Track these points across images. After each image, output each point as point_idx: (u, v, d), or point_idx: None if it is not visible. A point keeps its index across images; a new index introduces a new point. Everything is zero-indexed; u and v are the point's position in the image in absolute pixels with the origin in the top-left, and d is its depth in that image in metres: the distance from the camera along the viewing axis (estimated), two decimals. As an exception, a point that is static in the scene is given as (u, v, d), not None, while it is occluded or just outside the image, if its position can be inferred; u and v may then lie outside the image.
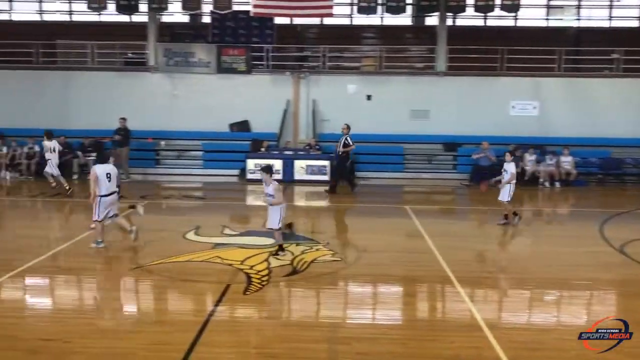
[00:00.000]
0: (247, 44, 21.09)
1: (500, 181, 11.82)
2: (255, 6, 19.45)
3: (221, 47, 20.77)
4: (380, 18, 23.44)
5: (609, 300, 7.85)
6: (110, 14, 21.96)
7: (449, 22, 21.58)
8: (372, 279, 8.31)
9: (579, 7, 23.64)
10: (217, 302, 7.02)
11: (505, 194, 11.71)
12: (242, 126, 20.70)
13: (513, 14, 22.42)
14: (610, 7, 23.90)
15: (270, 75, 21.06)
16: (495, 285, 8.20)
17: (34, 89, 20.66)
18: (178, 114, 20.38)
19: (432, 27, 21.76)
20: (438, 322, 6.85)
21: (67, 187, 15.06)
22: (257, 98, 20.39)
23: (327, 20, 22.81)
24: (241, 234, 10.84)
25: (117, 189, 9.72)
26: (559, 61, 20.61)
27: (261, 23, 21.68)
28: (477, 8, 20.17)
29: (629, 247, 10.04)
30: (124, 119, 18.39)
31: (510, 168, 11.71)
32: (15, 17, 24.97)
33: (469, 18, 22.67)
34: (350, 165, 16.65)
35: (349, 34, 23.49)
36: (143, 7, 20.43)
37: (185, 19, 23.54)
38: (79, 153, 18.60)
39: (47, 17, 24.76)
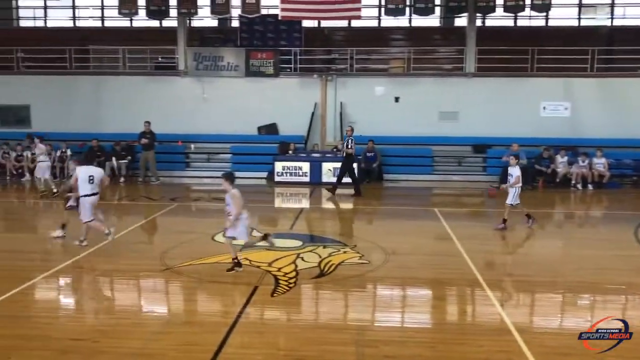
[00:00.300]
0: (275, 48, 21.22)
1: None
2: (283, 10, 19.55)
3: (249, 50, 20.94)
4: (409, 20, 23.36)
5: (644, 305, 7.67)
6: (141, 20, 22.36)
7: (478, 22, 21.37)
8: (400, 281, 8.26)
9: (612, 5, 23.15)
10: (245, 304, 7.07)
11: (510, 197, 11.53)
12: (270, 129, 20.83)
13: (544, 14, 22.09)
14: (645, 5, 23.37)
15: (298, 78, 21.16)
16: (525, 288, 8.06)
17: (68, 93, 21.15)
18: (207, 117, 20.62)
19: (461, 28, 21.59)
20: (467, 326, 6.77)
21: (55, 190, 15.29)
22: (284, 101, 20.51)
23: (355, 23, 22.80)
24: (269, 236, 10.87)
25: (98, 191, 9.87)
26: (592, 61, 20.21)
27: (289, 26, 21.81)
28: (507, 8, 19.90)
29: (664, 251, 9.80)
30: (148, 122, 18.67)
31: (514, 172, 11.53)
32: (50, 24, 25.61)
33: (499, 18, 22.41)
34: (351, 167, 16.38)
35: (377, 36, 23.44)
36: (173, 12, 20.71)
37: (214, 23, 23.80)
38: (113, 159, 18.92)
39: (80, 24, 25.31)
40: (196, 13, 20.82)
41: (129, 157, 19.00)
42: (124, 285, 8.10)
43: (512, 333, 6.16)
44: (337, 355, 5.69)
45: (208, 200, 16.24)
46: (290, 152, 19.17)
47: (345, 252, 9.55)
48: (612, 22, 23.20)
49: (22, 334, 6.16)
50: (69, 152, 18.96)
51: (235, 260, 8.35)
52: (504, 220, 11.54)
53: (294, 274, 8.26)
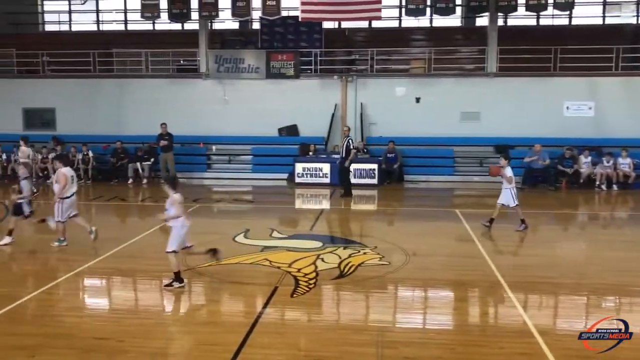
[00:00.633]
0: (296, 49, 21.29)
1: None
2: (304, 11, 19.58)
3: (270, 52, 21.03)
4: (429, 20, 23.25)
5: (670, 308, 7.53)
6: (163, 23, 22.60)
7: (500, 22, 21.17)
8: (420, 283, 8.23)
9: (637, 3, 22.76)
10: (265, 304, 7.11)
11: (510, 199, 11.38)
12: (290, 130, 20.89)
13: (567, 13, 21.81)
14: (672, 2, 22.94)
15: (318, 79, 21.17)
16: (547, 290, 7.96)
17: (92, 96, 21.45)
18: (228, 119, 20.74)
19: (482, 28, 21.40)
20: (487, 328, 6.72)
21: (34, 190, 15.50)
22: (305, 102, 20.54)
23: (376, 23, 22.77)
24: (289, 237, 10.93)
25: (75, 190, 10.18)
26: (617, 60, 19.87)
27: (309, 28, 21.89)
28: (529, 7, 19.65)
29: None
30: (165, 124, 18.87)
31: (505, 173, 11.40)
32: (75, 28, 26.06)
33: (521, 18, 22.18)
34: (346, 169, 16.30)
35: (398, 37, 23.34)
36: (194, 15, 20.88)
37: (235, 25, 23.95)
38: (138, 163, 19.18)
39: (104, 28, 25.73)
40: (217, 16, 20.95)
41: (152, 159, 19.21)
42: (146, 286, 8.20)
43: (533, 335, 6.11)
44: (357, 356, 5.69)
45: (229, 202, 16.38)
46: (310, 153, 19.20)
47: (365, 254, 9.54)
48: (637, 19, 22.80)
49: (47, 332, 6.28)
50: (90, 154, 19.24)
51: (175, 275, 7.73)
52: (522, 221, 11.43)
53: (313, 274, 8.29)
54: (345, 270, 8.55)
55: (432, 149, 19.98)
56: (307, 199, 17.06)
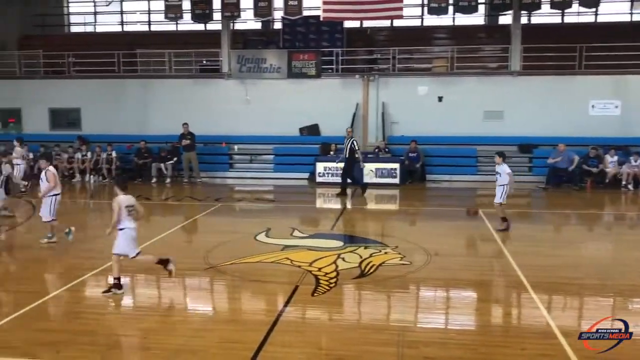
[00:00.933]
0: (317, 49, 21.31)
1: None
2: (325, 11, 19.59)
3: (292, 52, 21.08)
4: (452, 18, 23.07)
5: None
6: (186, 24, 22.78)
7: (524, 20, 20.92)
8: (442, 283, 8.18)
9: (665, -1, 22.35)
10: (286, 303, 7.14)
11: (498, 196, 11.26)
12: (312, 130, 20.91)
13: (592, 10, 21.47)
14: (701, -2, 22.45)
15: (339, 78, 21.16)
16: (571, 291, 7.85)
17: (116, 96, 21.75)
18: (250, 118, 20.85)
19: (506, 26, 21.19)
20: (510, 328, 6.66)
21: (23, 189, 16.14)
22: (326, 102, 20.54)
23: (397, 22, 22.66)
24: (310, 236, 10.96)
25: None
26: (644, 57, 19.52)
27: (331, 27, 21.90)
28: (554, 5, 19.41)
29: None
30: (186, 124, 19.04)
31: (503, 170, 11.27)
32: (99, 29, 26.44)
33: (545, 15, 21.88)
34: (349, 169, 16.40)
35: (420, 35, 23.23)
36: (217, 15, 21.05)
37: (257, 25, 24.07)
38: (161, 163, 19.38)
39: (128, 28, 26.06)
40: (239, 16, 21.08)
41: (175, 159, 19.39)
42: (169, 283, 8.26)
43: (556, 337, 6.03)
44: (378, 355, 5.68)
45: (251, 201, 16.47)
46: (331, 152, 19.20)
47: (386, 253, 9.52)
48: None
49: (71, 329, 6.38)
50: (114, 154, 19.49)
51: (116, 281, 7.41)
52: (503, 219, 11.28)
53: (334, 274, 8.29)
54: (366, 270, 8.54)
55: (454, 148, 19.84)
56: (328, 199, 17.07)
